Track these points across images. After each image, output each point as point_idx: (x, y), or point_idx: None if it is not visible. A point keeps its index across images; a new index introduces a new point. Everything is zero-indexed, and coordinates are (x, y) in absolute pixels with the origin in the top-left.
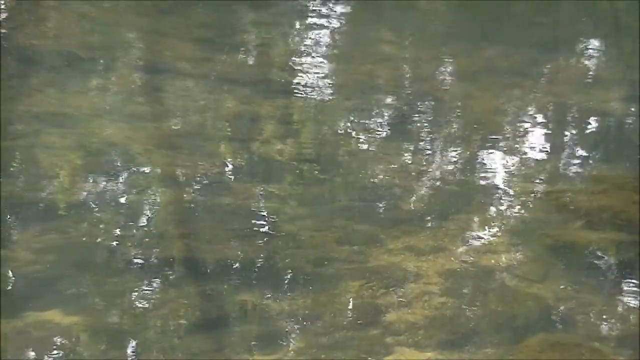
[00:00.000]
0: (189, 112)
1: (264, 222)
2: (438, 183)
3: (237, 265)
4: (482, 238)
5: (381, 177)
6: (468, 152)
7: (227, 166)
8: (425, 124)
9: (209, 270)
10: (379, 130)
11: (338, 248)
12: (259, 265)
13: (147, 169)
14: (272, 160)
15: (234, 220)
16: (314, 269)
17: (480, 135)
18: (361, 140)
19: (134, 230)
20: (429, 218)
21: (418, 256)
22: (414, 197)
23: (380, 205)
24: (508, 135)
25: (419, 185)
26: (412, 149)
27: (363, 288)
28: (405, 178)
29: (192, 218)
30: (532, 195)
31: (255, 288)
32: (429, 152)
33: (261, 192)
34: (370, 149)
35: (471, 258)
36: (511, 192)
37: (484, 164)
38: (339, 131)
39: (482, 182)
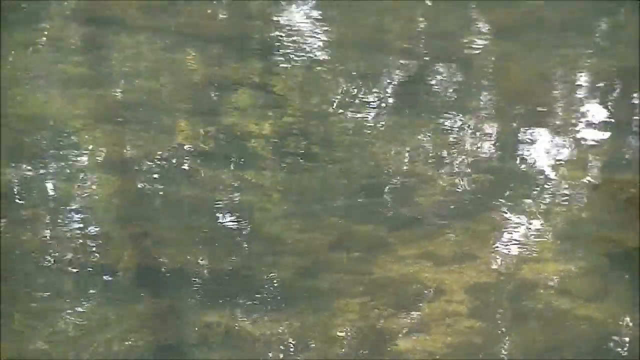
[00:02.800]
0: (140, 77)
1: (238, 221)
2: (464, 171)
3: (202, 275)
4: (522, 243)
5: (389, 163)
6: (503, 131)
7: (190, 147)
8: (448, 95)
9: (165, 283)
10: (386, 103)
11: (333, 255)
12: (230, 276)
13: (85, 150)
14: (248, 140)
15: (198, 217)
16: (301, 281)
17: (519, 109)
18: (363, 115)
19: (68, 230)
20: (452, 216)
21: (438, 266)
22: (432, 190)
23: (389, 199)
24: (556, 110)
25: (438, 174)
26: (430, 126)
27: (366, 307)
28: (421, 164)
29: (144, 214)
30: (587, 186)
31: (226, 306)
32: (452, 131)
33: (233, 182)
34: (375, 126)
35: (507, 269)
36: (560, 182)
37: (525, 146)
38: (334, 103)
39: (522, 170)
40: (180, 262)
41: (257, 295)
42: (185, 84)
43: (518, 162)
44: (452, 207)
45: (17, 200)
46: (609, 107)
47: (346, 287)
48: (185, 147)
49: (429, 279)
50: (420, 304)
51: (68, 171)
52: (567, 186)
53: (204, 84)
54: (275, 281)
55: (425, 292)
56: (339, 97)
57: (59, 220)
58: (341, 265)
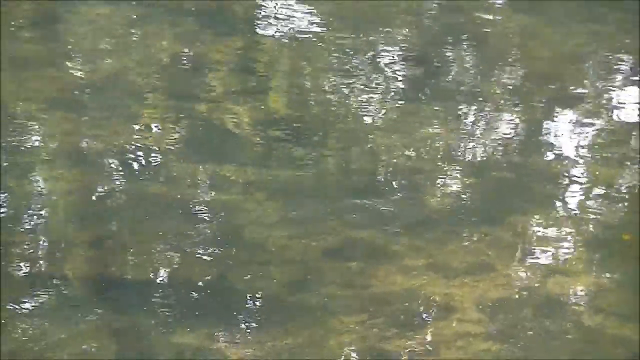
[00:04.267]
0: (102, 55)
1: (214, 224)
2: (481, 166)
3: (172, 288)
4: (547, 251)
5: (393, 157)
6: (526, 121)
7: (157, 137)
8: (462, 76)
9: (129, 296)
10: (389, 87)
11: (327, 265)
12: (205, 289)
13: (36, 140)
14: (227, 129)
15: (168, 219)
16: (290, 296)
17: (545, 93)
18: (362, 100)
19: (14, 234)
20: (465, 220)
21: (449, 279)
22: (443, 188)
23: (392, 200)
24: (588, 94)
25: (450, 170)
26: (440, 115)
27: (365, 326)
28: (430, 159)
29: (105, 215)
30: (624, 185)
31: (200, 325)
32: (465, 120)
33: (209, 178)
34: (376, 114)
35: (530, 282)
36: (592, 180)
37: (551, 138)
38: (328, 86)
39: (548, 167)
40: (146, 272)
41: (237, 313)
42: (154, 64)
43: (543, 157)
44: (465, 209)
45: None
46: None
47: (342, 303)
48: (153, 137)
49: (438, 293)
50: (428, 323)
51: (16, 164)
52: (600, 186)
53: (176, 63)
54: (258, 296)
55: (434, 309)
56: (334, 79)
57: (8, 222)
58: (336, 277)
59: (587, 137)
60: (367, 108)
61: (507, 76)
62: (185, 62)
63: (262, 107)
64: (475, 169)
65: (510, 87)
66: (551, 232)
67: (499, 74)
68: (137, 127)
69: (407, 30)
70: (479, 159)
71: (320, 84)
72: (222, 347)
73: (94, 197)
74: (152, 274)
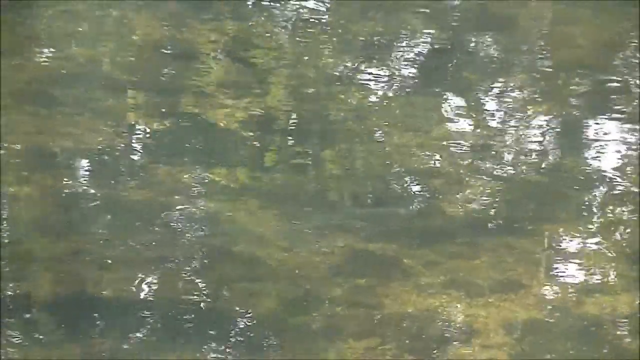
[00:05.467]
0: (72, 40)
1: (201, 235)
2: (507, 170)
3: (154, 308)
4: (583, 266)
5: (407, 159)
6: (558, 119)
7: (137, 135)
8: (485, 67)
9: (104, 318)
10: (403, 79)
11: (331, 282)
12: (192, 309)
13: None
14: (216, 127)
15: (149, 229)
16: (288, 317)
17: (580, 85)
18: (372, 95)
19: None
20: (490, 231)
21: (471, 297)
22: (464, 195)
23: (405, 208)
24: (628, 91)
25: (473, 174)
26: (461, 110)
27: (375, 352)
28: (449, 161)
29: (76, 226)
30: None
31: (186, 349)
32: (492, 115)
33: (197, 183)
34: (388, 110)
35: (563, 302)
36: (633, 187)
37: (587, 138)
38: (333, 78)
39: (583, 170)
40: (124, 290)
41: (227, 336)
42: (133, 52)
43: (578, 159)
44: (490, 218)
45: None
46: None
47: (348, 326)
48: (133, 136)
49: (459, 314)
50: (447, 349)
51: None
52: None
53: (159, 52)
54: (252, 317)
55: (454, 332)
56: (339, 70)
57: None
58: (341, 296)
59: (627, 139)
60: (376, 103)
61: (536, 69)
62: (169, 50)
63: (258, 101)
64: (501, 172)
65: (541, 82)
66: (587, 244)
67: (528, 64)
68: (113, 124)
69: (424, 14)
70: (505, 160)
71: (325, 75)
72: None
73: (64, 205)
74: (130, 293)
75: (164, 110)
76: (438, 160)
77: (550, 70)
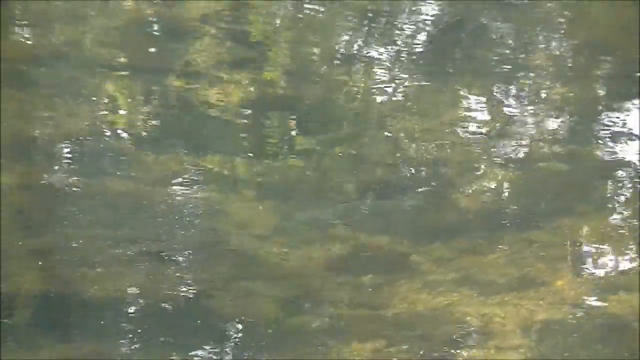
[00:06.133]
0: (53, 19)
1: (192, 229)
2: (524, 157)
3: (139, 310)
4: (607, 261)
5: (415, 146)
6: (579, 103)
7: (122, 120)
8: (499, 47)
9: (85, 320)
10: (411, 59)
11: (333, 280)
12: (182, 310)
13: None
14: (210, 111)
15: (136, 223)
16: (286, 318)
17: (603, 67)
18: (377, 76)
19: None
20: (506, 224)
21: (486, 296)
22: (477, 184)
23: (414, 199)
24: None
25: (487, 162)
26: (474, 94)
27: (381, 355)
28: (461, 148)
29: (55, 220)
30: None
31: (175, 351)
32: (506, 98)
33: (188, 172)
34: (394, 92)
35: (587, 300)
36: None
37: (610, 124)
38: (337, 59)
39: (606, 159)
40: (107, 290)
41: (221, 338)
42: (118, 29)
43: (600, 146)
44: (505, 210)
45: None
46: None
47: (352, 327)
48: (118, 120)
49: (472, 314)
50: (460, 351)
51: None
52: None
53: (146, 28)
54: (247, 317)
55: (467, 333)
56: (342, 49)
57: None
58: (344, 295)
59: None
60: (382, 85)
61: (555, 49)
62: (156, 26)
63: (254, 82)
64: (517, 160)
65: (560, 63)
66: (611, 238)
67: (545, 45)
68: (98, 108)
69: None
70: (522, 148)
71: (328, 55)
72: None
73: (43, 195)
74: (114, 292)
75: (152, 93)
76: (448, 147)
77: (571, 50)
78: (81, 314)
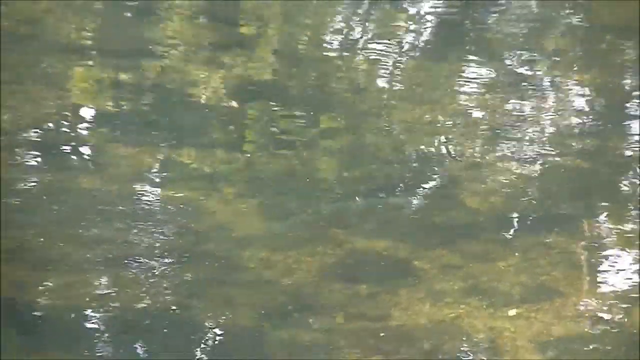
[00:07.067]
0: None
1: (167, 230)
2: (540, 153)
3: (109, 318)
4: (632, 270)
5: (417, 138)
6: (603, 88)
7: (89, 109)
8: (513, 27)
9: (49, 330)
10: (414, 44)
11: (326, 288)
12: (153, 319)
13: None
14: (188, 98)
15: (104, 223)
16: (273, 330)
17: (628, 51)
18: (377, 62)
19: None
20: (519, 226)
21: (496, 307)
22: (487, 182)
23: (416, 198)
24: None
25: (498, 158)
26: (484, 78)
27: None
28: (469, 141)
29: (18, 218)
30: None
31: None
32: (520, 86)
33: (162, 167)
34: (395, 79)
35: (609, 313)
36: None
37: (635, 114)
38: (330, 41)
39: (633, 153)
40: (71, 297)
41: (197, 351)
42: (86, 10)
43: (625, 140)
44: (519, 211)
45: None
46: None
47: (347, 341)
48: (84, 109)
49: (481, 328)
50: None
51: None
52: None
53: (116, 8)
54: (227, 329)
55: (475, 349)
56: (339, 33)
57: None
58: (339, 305)
59: None
60: (382, 72)
61: (577, 28)
62: (128, 5)
63: (238, 68)
64: (533, 156)
65: (580, 46)
66: (637, 243)
67: (566, 25)
68: (63, 95)
69: None
70: (537, 142)
71: (320, 37)
72: None
73: (3, 193)
74: (79, 300)
75: (123, 78)
76: (454, 139)
77: (593, 32)
78: (37, 324)
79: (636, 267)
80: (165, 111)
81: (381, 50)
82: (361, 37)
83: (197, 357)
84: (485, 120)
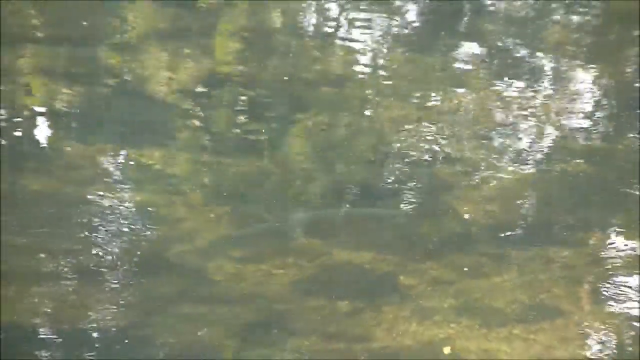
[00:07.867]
0: None
1: (126, 238)
2: (541, 156)
3: (52, 333)
4: None
5: (405, 137)
6: (611, 83)
7: (40, 106)
8: (511, 15)
9: (5, 344)
10: (401, 26)
11: (301, 304)
12: (108, 339)
13: None
14: (147, 93)
15: (52, 227)
16: (242, 351)
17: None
18: (359, 46)
19: None
20: (517, 238)
21: (489, 327)
22: (483, 189)
23: (404, 204)
24: None
25: (495, 160)
26: (479, 70)
27: None
28: (463, 142)
29: None
30: None
31: None
32: (519, 81)
33: (120, 168)
34: (381, 67)
35: (616, 335)
36: None
37: None
38: (307, 26)
39: None
40: (22, 312)
41: None
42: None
43: (635, 142)
44: (518, 222)
45: None
46: None
47: None
48: (34, 106)
49: (473, 350)
50: None
51: None
52: None
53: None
54: (192, 349)
55: None
56: (316, 14)
57: None
58: (316, 324)
59: None
60: (367, 59)
61: (582, 18)
62: None
63: (203, 58)
64: (533, 158)
65: (588, 35)
66: None
67: (569, 15)
68: (7, 89)
69: None
70: (538, 143)
71: (296, 21)
72: None
73: None
74: (24, 313)
75: (76, 69)
76: (447, 140)
77: (599, 22)
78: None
79: None
80: (125, 108)
81: (363, 39)
82: (341, 24)
83: None
84: (482, 117)
